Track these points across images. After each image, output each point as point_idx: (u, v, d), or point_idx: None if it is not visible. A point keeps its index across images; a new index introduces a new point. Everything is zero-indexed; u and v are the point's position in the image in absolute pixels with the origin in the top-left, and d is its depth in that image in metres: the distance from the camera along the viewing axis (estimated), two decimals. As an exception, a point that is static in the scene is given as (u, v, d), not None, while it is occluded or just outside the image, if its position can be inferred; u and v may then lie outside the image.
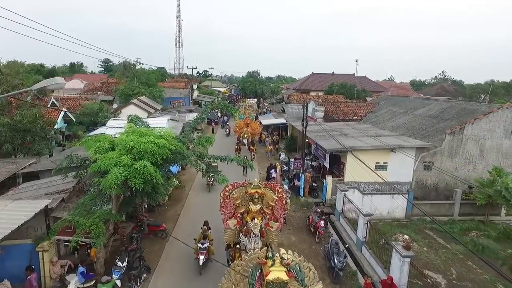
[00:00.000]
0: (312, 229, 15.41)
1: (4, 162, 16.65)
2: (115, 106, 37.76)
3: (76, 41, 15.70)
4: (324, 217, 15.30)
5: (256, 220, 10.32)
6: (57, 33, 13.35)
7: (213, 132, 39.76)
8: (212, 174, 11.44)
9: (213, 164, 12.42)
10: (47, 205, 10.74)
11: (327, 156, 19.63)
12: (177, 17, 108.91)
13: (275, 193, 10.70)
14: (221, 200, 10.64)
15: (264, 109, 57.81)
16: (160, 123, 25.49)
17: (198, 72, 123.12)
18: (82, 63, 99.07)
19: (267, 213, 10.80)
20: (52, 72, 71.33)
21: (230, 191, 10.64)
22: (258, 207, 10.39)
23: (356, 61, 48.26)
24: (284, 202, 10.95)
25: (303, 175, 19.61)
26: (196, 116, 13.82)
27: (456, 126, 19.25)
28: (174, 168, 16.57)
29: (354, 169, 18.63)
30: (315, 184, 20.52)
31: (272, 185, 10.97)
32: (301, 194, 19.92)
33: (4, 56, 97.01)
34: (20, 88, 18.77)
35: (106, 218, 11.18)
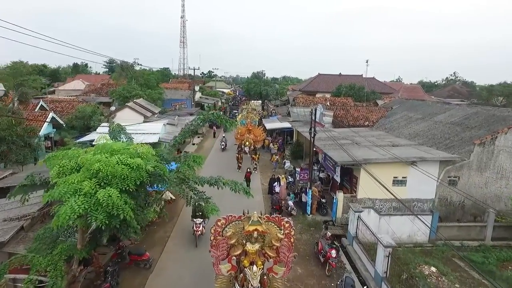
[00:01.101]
0: (322, 259, 13.20)
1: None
2: (113, 108, 35.96)
3: (61, 43, 13.73)
4: (335, 245, 13.08)
5: (255, 268, 8.13)
6: (41, 35, 11.36)
7: (214, 137, 37.73)
8: (199, 201, 9.26)
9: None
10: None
11: (338, 169, 17.39)
12: (181, 17, 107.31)
13: (280, 229, 8.52)
14: (212, 238, 8.50)
15: (269, 112, 55.66)
16: (154, 128, 23.55)
17: (202, 72, 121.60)
18: (86, 64, 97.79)
19: (270, 255, 8.62)
20: (54, 73, 70.19)
21: (223, 226, 8.49)
22: (257, 246, 8.22)
23: (367, 62, 45.62)
24: (292, 240, 8.76)
25: (310, 191, 17.39)
26: (183, 129, 11.71)
27: (486, 136, 16.87)
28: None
29: (368, 184, 16.35)
30: (323, 200, 18.28)
31: (276, 219, 8.79)
32: (308, 212, 17.70)
33: (10, 56, 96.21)
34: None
35: (69, 255, 9.14)
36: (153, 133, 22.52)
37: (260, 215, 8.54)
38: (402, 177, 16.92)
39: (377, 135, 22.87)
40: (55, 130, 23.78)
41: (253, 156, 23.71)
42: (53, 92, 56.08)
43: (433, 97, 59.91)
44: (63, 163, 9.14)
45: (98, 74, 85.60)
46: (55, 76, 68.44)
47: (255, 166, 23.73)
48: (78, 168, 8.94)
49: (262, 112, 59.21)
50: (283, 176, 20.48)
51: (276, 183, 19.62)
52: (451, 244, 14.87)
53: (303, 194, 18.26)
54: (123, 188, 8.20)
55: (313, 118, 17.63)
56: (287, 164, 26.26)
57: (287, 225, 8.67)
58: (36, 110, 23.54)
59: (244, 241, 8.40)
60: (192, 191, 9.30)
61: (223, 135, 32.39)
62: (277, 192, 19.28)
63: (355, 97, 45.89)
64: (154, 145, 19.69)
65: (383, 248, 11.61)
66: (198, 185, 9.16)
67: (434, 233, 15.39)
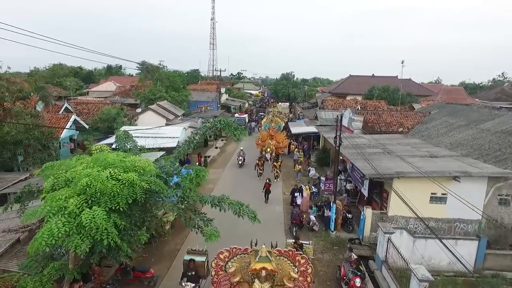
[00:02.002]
0: (345, 287, 11.59)
1: (-11, 179, 14.72)
2: (139, 110, 36.19)
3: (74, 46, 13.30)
4: (360, 272, 11.43)
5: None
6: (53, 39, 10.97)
7: (238, 140, 36.75)
8: (199, 223, 8.06)
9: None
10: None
11: (366, 182, 15.62)
12: (211, 19, 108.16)
13: (295, 266, 7.12)
14: (213, 273, 7.28)
15: (296, 115, 53.98)
16: (173, 132, 22.94)
17: (231, 74, 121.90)
18: (120, 66, 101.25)
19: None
20: (89, 75, 73.03)
21: (226, 260, 7.25)
22: (266, 286, 6.88)
23: (402, 63, 42.35)
24: (309, 279, 7.31)
25: (334, 205, 15.74)
26: (188, 138, 10.61)
27: (547, 149, 14.32)
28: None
29: (405, 199, 14.45)
30: (349, 216, 16.52)
31: (290, 253, 7.39)
32: (332, 228, 16.05)
33: (50, 59, 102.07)
34: (19, 95, 17.01)
35: (60, 275, 8.38)
36: (172, 137, 21.89)
37: (270, 248, 7.17)
38: (442, 194, 14.80)
39: (412, 143, 20.64)
40: (78, 132, 23.93)
41: (275, 163, 22.31)
42: (86, 93, 58.28)
43: (477, 100, 54.96)
44: (58, 175, 8.42)
45: (131, 76, 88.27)
46: (90, 77, 71.19)
47: (277, 174, 22.34)
48: (72, 181, 8.17)
49: (289, 115, 57.65)
50: (306, 186, 18.94)
51: (297, 193, 18.13)
52: (502, 276, 12.67)
53: (325, 209, 16.61)
54: (113, 207, 7.27)
55: (339, 124, 15.96)
56: (312, 172, 24.62)
57: (302, 261, 7.27)
58: (60, 112, 23.87)
59: (250, 279, 7.09)
60: (192, 211, 8.16)
61: (241, 148, 26.84)
62: (298, 204, 17.82)
63: (389, 100, 43.01)
64: (172, 150, 19.04)
65: (418, 282, 9.85)
66: (198, 202, 8.01)
67: (481, 261, 13.23)
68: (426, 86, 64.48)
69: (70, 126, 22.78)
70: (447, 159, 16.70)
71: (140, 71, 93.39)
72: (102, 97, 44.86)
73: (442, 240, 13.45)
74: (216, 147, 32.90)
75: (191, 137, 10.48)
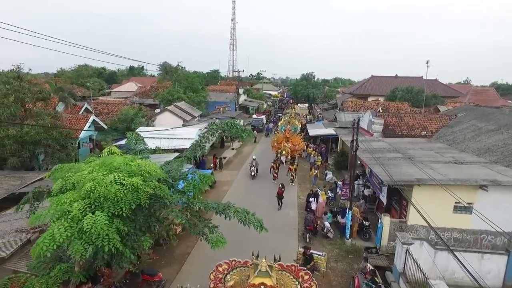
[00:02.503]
0: (358, 300, 11.01)
1: (9, 177, 15.20)
2: (157, 110, 36.70)
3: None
4: (376, 284, 10.81)
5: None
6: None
7: (255, 142, 36.49)
8: (202, 230, 7.79)
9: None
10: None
11: (385, 189, 14.88)
12: (232, 20, 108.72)
13: (298, 282, 6.71)
14: (211, 286, 6.99)
15: (315, 116, 53.06)
16: (189, 134, 22.95)
17: (251, 74, 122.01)
18: (142, 66, 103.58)
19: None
20: (112, 75, 75.13)
21: (225, 273, 6.95)
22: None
23: (427, 63, 40.35)
24: None
25: (349, 212, 15.10)
26: (196, 141, 10.36)
27: None
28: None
29: (422, 208, 13.62)
30: (366, 223, 15.81)
31: (293, 268, 6.99)
32: (347, 236, 15.41)
33: (76, 60, 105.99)
34: (39, 96, 17.49)
35: (66, 277, 8.37)
36: (187, 139, 21.89)
37: (273, 262, 6.79)
38: (468, 204, 13.81)
39: (436, 148, 19.56)
40: (97, 132, 24.45)
41: (290, 166, 21.80)
42: (108, 93, 59.96)
43: (510, 102, 51.94)
44: (66, 177, 8.43)
45: (152, 77, 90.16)
46: (113, 78, 73.22)
47: (292, 177, 21.82)
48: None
49: (308, 116, 56.77)
50: (322, 191, 18.34)
51: (312, 198, 17.58)
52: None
53: (339, 217, 15.98)
54: (116, 212, 7.15)
55: (356, 128, 15.30)
56: (329, 175, 23.95)
57: (306, 277, 6.85)
58: (80, 112, 24.50)
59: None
60: (197, 217, 7.91)
61: (254, 157, 24.09)
62: (312, 209, 17.28)
63: (413, 102, 41.40)
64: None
65: (439, 301, 9.15)
66: (204, 210, 7.72)
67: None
68: (454, 87, 61.70)
69: (89, 126, 23.30)
70: (474, 166, 15.65)
71: (160, 72, 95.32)
72: (123, 98, 45.90)
73: (464, 253, 12.67)
74: (233, 148, 32.77)
75: (198, 140, 10.26)
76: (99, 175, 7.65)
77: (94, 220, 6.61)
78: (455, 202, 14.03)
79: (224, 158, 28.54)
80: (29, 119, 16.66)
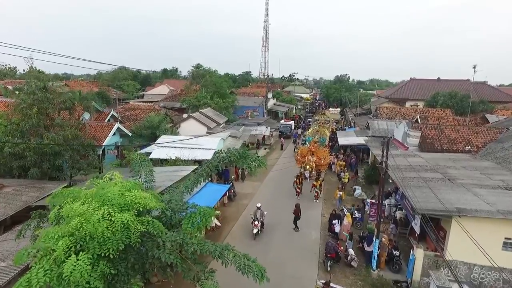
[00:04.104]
0: None
1: (29, 187, 15.43)
2: (185, 115, 36.83)
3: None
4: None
5: None
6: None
7: (281, 149, 35.27)
8: (197, 275, 6.88)
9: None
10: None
11: (418, 217, 13.14)
12: (264, 22, 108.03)
13: None
14: None
15: (348, 121, 50.69)
16: (210, 143, 22.35)
17: (283, 76, 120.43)
18: (176, 69, 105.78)
19: None
20: (146, 78, 77.48)
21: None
22: None
23: (474, 68, 36.18)
24: None
25: (377, 241, 13.52)
26: (199, 170, 9.37)
27: None
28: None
29: (464, 242, 11.77)
30: (396, 253, 14.10)
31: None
32: (374, 266, 13.83)
33: (113, 63, 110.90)
34: (62, 107, 17.73)
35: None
36: (208, 149, 21.32)
37: None
38: (521, 240, 11.78)
39: (482, 168, 17.22)
40: (122, 139, 24.69)
41: (314, 182, 20.32)
42: (142, 96, 61.74)
43: None
44: (64, 205, 7.97)
45: (185, 79, 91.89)
46: (147, 80, 75.44)
47: (316, 194, 20.31)
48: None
49: (340, 121, 54.48)
50: (348, 213, 16.84)
51: (336, 220, 16.16)
52: None
53: (365, 243, 14.42)
54: (102, 254, 6.49)
55: (387, 145, 13.68)
56: (358, 191, 22.22)
57: None
58: (107, 119, 24.88)
59: None
60: (191, 260, 7.01)
61: (258, 205, 16.63)
62: (336, 232, 15.88)
63: (456, 109, 37.86)
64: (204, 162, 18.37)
65: None
66: (199, 252, 6.84)
67: None
68: (505, 90, 55.97)
69: (114, 134, 23.54)
70: (528, 193, 13.41)
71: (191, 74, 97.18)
72: (153, 101, 46.73)
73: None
74: (258, 156, 31.78)
75: (201, 170, 9.35)
76: (89, 209, 7.05)
77: (75, 265, 5.98)
78: (505, 238, 12.04)
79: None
80: (51, 130, 16.89)
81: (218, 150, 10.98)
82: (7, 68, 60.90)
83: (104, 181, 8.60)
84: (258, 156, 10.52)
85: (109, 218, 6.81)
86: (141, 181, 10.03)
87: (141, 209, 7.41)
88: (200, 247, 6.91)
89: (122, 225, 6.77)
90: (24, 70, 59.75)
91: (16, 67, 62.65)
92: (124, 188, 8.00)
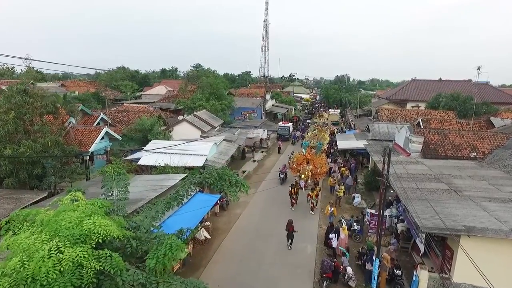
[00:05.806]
0: None
1: (5, 198, 14.37)
2: (180, 117, 35.76)
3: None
4: None
5: None
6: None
7: (279, 152, 34.13)
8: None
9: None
10: None
11: (423, 235, 12.05)
12: (264, 21, 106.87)
13: None
14: None
15: (347, 123, 49.54)
16: (202, 149, 21.23)
17: (283, 76, 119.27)
18: (176, 68, 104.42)
19: None
20: (144, 78, 76.35)
21: None
22: None
23: (478, 69, 34.99)
24: None
25: (377, 260, 12.43)
26: (169, 196, 8.14)
27: None
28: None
29: (471, 262, 10.69)
30: (398, 272, 13.01)
31: None
32: (374, 286, 12.73)
33: (114, 62, 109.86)
34: (43, 111, 16.66)
35: None
36: (200, 155, 20.22)
37: None
38: (536, 263, 10.69)
39: (490, 177, 16.12)
40: (111, 143, 23.61)
41: (310, 193, 19.14)
42: (139, 97, 60.66)
43: None
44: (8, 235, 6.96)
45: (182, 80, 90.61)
46: (145, 80, 74.31)
47: (312, 205, 19.11)
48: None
49: (340, 122, 53.38)
50: (344, 226, 15.77)
51: (333, 234, 15.08)
52: None
53: (367, 262, 13.32)
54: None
55: (388, 157, 12.57)
56: (357, 199, 21.13)
57: None
58: (95, 123, 23.80)
59: None
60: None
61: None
62: (333, 247, 14.82)
63: (459, 111, 36.77)
64: (199, 169, 17.23)
65: None
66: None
67: None
68: (508, 91, 54.80)
69: (103, 138, 22.48)
70: (542, 208, 12.30)
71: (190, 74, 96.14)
72: (149, 102, 45.70)
73: None
74: (254, 160, 30.70)
75: (172, 195, 8.04)
76: (36, 242, 5.98)
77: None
78: (517, 259, 10.95)
79: (244, 172, 26.64)
80: (31, 136, 15.82)
81: (191, 172, 9.81)
82: (4, 68, 59.88)
83: (64, 204, 7.53)
84: (244, 171, 9.35)
85: (57, 254, 5.74)
86: (112, 198, 8.94)
87: (100, 241, 6.33)
88: (166, 286, 5.81)
89: (73, 263, 5.70)
90: (21, 70, 58.85)
91: (13, 67, 61.62)
92: (84, 214, 6.92)
